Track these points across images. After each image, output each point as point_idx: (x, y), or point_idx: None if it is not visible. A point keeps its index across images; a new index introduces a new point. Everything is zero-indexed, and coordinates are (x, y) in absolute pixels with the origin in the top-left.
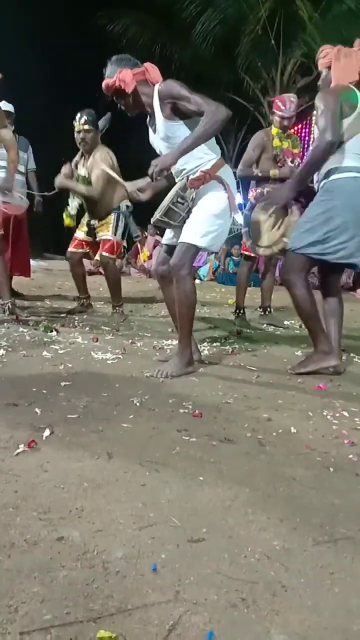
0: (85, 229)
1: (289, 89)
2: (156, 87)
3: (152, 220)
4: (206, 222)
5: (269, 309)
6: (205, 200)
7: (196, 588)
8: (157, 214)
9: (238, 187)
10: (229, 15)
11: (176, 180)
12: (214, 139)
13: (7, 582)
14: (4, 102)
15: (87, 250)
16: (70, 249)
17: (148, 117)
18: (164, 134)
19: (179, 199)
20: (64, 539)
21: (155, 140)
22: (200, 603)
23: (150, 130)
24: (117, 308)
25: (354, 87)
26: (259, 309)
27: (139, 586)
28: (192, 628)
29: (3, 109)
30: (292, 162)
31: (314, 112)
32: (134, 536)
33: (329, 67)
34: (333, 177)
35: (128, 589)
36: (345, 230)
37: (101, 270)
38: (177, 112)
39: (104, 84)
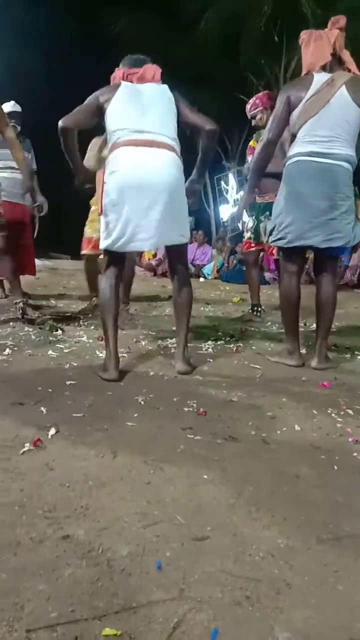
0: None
1: None
2: None
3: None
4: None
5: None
6: None
7: (201, 586)
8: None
9: (242, 185)
10: (232, 12)
11: None
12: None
13: (13, 580)
14: (12, 102)
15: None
16: (88, 251)
17: None
18: None
19: None
20: (69, 537)
21: None
22: (204, 601)
23: None
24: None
25: (315, 73)
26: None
27: (143, 584)
28: (196, 625)
29: (12, 109)
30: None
31: None
32: (138, 534)
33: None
34: (286, 164)
35: (133, 587)
36: (288, 214)
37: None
38: None
39: None
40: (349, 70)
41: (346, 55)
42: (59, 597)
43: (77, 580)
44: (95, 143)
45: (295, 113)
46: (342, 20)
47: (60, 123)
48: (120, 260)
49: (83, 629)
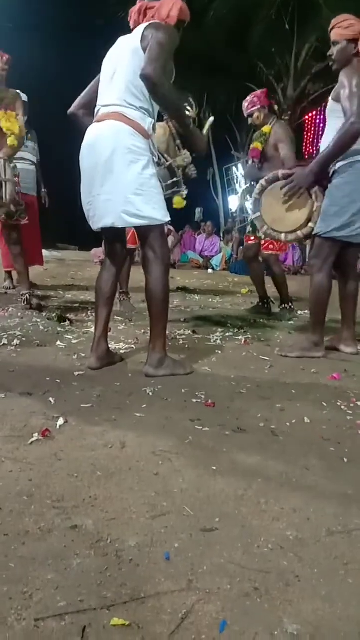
0: None
1: (304, 75)
2: None
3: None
4: None
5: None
6: None
7: (209, 577)
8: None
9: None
10: (242, 0)
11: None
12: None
13: (22, 569)
14: (17, 92)
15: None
16: (129, 245)
17: None
18: None
19: None
20: (78, 527)
21: None
22: (213, 592)
23: None
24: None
25: None
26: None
27: (152, 575)
28: (205, 617)
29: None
30: (251, 161)
31: (330, 96)
32: (147, 525)
33: (350, 40)
34: (352, 159)
35: (141, 578)
36: None
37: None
38: None
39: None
40: None
41: None
42: (67, 586)
43: (86, 570)
44: None
45: None
46: None
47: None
48: (112, 244)
49: (91, 618)
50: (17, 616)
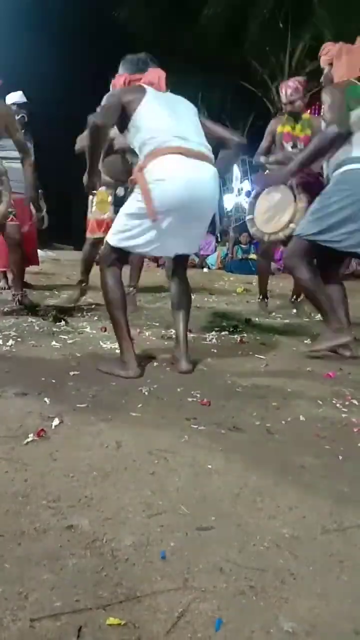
0: None
1: (298, 73)
2: None
3: None
4: (118, 221)
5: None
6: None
7: (205, 576)
8: None
9: (247, 175)
10: None
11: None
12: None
13: (17, 570)
14: (20, 93)
15: None
16: (99, 234)
17: None
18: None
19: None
20: (74, 527)
21: None
22: (209, 590)
23: None
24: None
25: (357, 82)
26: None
27: (148, 574)
28: (200, 615)
29: (19, 100)
30: (293, 146)
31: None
32: (143, 524)
33: (331, 64)
34: (345, 167)
35: (137, 577)
36: (353, 221)
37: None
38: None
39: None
40: None
41: None
42: (63, 586)
43: (81, 569)
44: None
45: (354, 116)
46: None
47: (96, 121)
48: (126, 258)
49: (87, 618)
50: (13, 617)
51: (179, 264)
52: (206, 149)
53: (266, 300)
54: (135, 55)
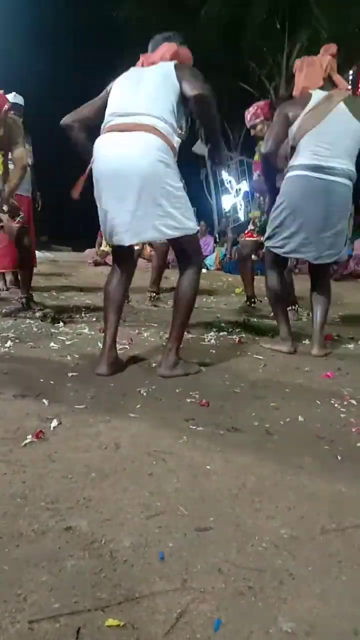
0: None
1: None
2: None
3: None
4: None
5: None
6: None
7: (203, 576)
8: None
9: (245, 175)
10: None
11: None
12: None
13: (16, 572)
14: (14, 94)
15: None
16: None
17: None
18: None
19: None
20: (72, 528)
21: None
22: (207, 591)
23: None
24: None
25: (312, 91)
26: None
27: (146, 575)
28: (199, 616)
29: (13, 101)
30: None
31: None
32: (141, 525)
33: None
34: (287, 175)
35: (136, 578)
36: (287, 227)
37: (107, 260)
38: None
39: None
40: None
41: (338, 79)
42: (61, 588)
43: (80, 571)
44: None
45: (294, 126)
46: (333, 47)
47: (61, 121)
48: (122, 253)
49: (86, 619)
50: (11, 619)
51: (176, 252)
52: (152, 117)
53: (253, 304)
54: (160, 34)
